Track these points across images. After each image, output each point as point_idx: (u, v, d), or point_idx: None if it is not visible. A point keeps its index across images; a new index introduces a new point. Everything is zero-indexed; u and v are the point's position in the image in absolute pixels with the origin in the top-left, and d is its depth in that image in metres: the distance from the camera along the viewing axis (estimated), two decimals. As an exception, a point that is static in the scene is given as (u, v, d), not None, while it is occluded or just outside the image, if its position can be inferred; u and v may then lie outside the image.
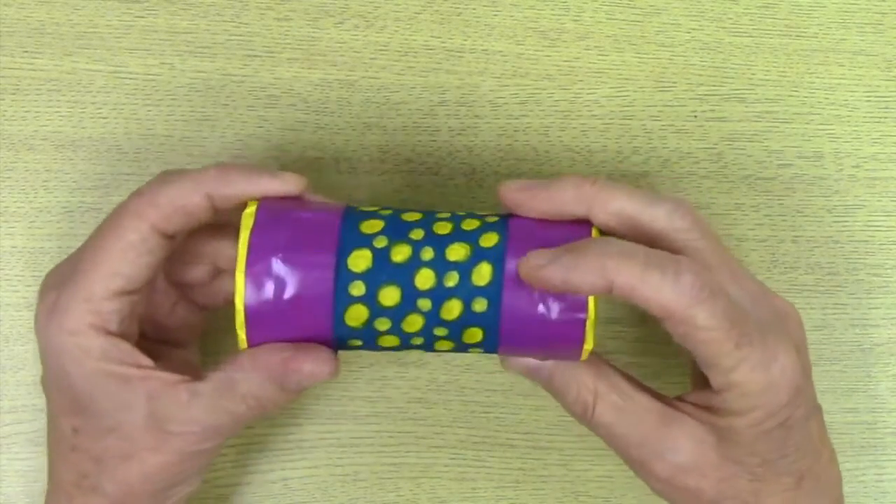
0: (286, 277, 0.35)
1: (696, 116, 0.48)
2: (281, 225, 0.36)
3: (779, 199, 0.48)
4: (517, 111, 0.48)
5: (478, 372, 0.46)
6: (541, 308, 0.35)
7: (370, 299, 0.36)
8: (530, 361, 0.38)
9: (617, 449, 0.38)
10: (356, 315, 0.36)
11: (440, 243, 0.36)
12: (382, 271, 0.36)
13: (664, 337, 0.45)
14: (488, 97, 0.47)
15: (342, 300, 0.36)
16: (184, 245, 0.40)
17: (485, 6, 0.48)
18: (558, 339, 0.36)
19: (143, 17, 0.47)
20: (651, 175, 0.47)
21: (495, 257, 0.36)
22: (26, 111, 0.46)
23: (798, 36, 0.49)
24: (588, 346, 0.36)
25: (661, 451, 0.37)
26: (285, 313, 0.36)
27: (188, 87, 0.47)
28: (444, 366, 0.46)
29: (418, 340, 0.37)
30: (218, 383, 0.37)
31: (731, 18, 0.49)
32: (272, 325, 0.36)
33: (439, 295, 0.36)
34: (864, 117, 0.48)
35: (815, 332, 0.47)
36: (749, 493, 0.37)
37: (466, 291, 0.36)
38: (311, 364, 0.36)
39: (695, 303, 0.34)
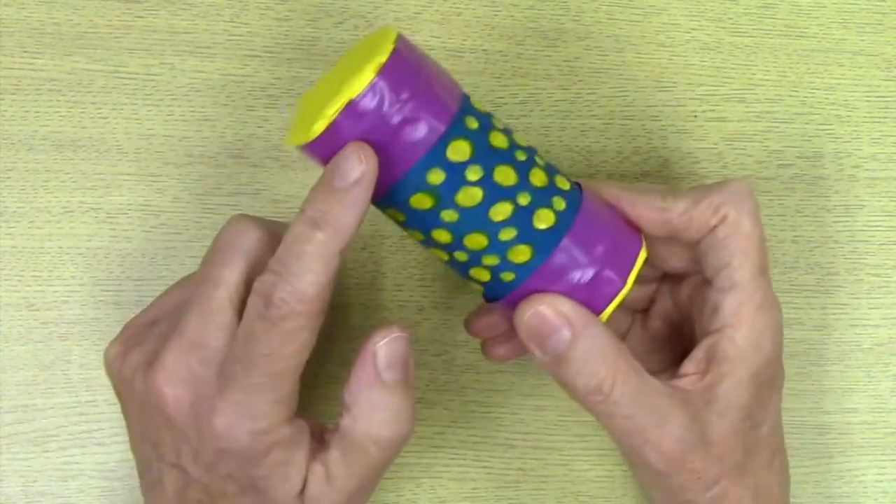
0: (409, 99, 0.34)
1: (696, 116, 0.48)
2: (419, 64, 0.35)
3: (779, 199, 0.48)
4: (517, 111, 0.48)
5: (478, 372, 0.46)
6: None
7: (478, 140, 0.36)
8: (552, 317, 0.36)
9: (623, 430, 0.37)
10: (459, 149, 0.35)
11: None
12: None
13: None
14: (488, 97, 0.47)
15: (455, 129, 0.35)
16: None
17: (485, 6, 0.48)
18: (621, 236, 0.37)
19: (142, 17, 0.47)
20: (651, 175, 0.47)
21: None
22: (26, 111, 0.46)
23: (798, 36, 0.49)
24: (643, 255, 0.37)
25: (674, 431, 0.37)
26: (392, 121, 0.35)
27: (188, 87, 0.47)
28: (443, 366, 0.46)
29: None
30: (340, 442, 0.37)
31: (731, 18, 0.49)
32: (369, 122, 0.34)
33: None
34: (864, 117, 0.48)
35: (815, 332, 0.47)
36: (738, 467, 0.37)
37: (546, 199, 0.37)
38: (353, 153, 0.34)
39: (750, 215, 0.38)
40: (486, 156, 0.36)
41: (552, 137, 0.47)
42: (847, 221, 0.48)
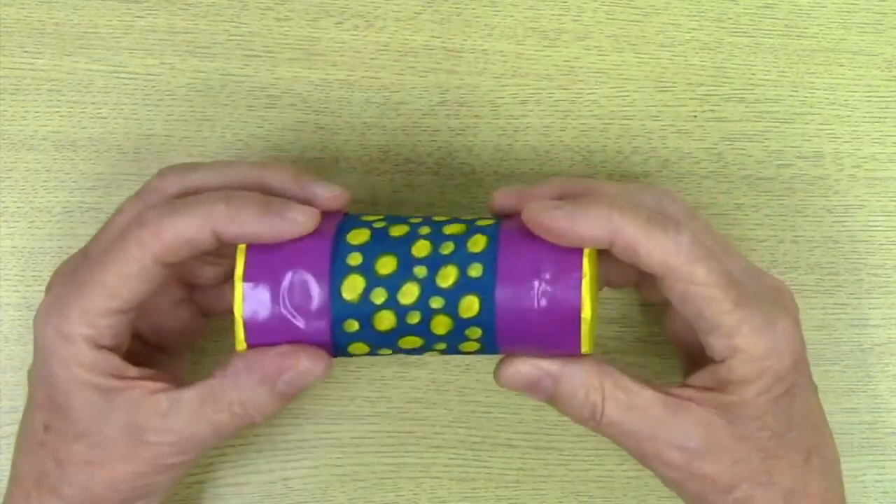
0: (284, 282, 0.36)
1: (695, 116, 0.48)
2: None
3: (779, 199, 0.48)
4: (517, 111, 0.48)
5: (478, 372, 0.46)
6: (536, 285, 0.36)
7: (367, 270, 0.36)
8: (532, 371, 0.37)
9: (628, 446, 0.38)
10: (352, 286, 0.36)
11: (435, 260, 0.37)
12: (378, 244, 0.36)
13: (664, 337, 0.45)
14: (488, 97, 0.47)
15: (339, 272, 0.36)
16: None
17: (485, 6, 0.48)
18: (555, 312, 0.36)
19: (142, 17, 0.47)
20: (651, 175, 0.47)
21: (490, 233, 0.37)
22: (26, 111, 0.46)
23: (798, 36, 0.49)
24: (586, 313, 0.36)
25: (673, 440, 0.37)
26: (284, 317, 0.36)
27: (188, 87, 0.47)
28: (443, 366, 0.46)
29: (415, 317, 0.36)
30: (202, 391, 0.37)
31: (731, 18, 0.49)
32: (271, 328, 0.36)
33: (434, 262, 0.36)
34: (864, 117, 0.48)
35: (815, 332, 0.47)
36: (762, 472, 0.37)
37: (462, 257, 0.36)
38: (307, 360, 0.36)
39: (694, 259, 0.35)
40: (381, 283, 0.36)
41: (552, 137, 0.47)
42: (847, 221, 0.48)
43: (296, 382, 0.36)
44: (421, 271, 0.36)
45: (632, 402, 0.37)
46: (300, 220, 0.36)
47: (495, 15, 0.48)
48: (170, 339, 0.42)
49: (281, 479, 0.45)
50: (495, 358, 0.38)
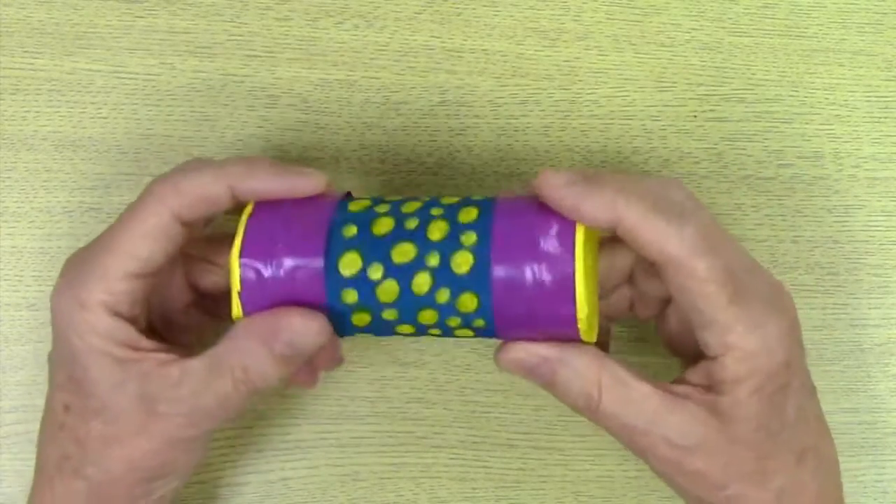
0: (281, 255, 0.36)
1: (695, 116, 0.48)
2: (276, 212, 0.37)
3: (779, 199, 0.48)
4: (517, 111, 0.48)
5: (478, 372, 0.46)
6: (529, 270, 0.36)
7: (362, 239, 0.36)
8: (529, 357, 0.37)
9: (622, 438, 0.38)
10: (349, 262, 0.36)
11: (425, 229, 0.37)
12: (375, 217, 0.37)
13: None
14: (488, 97, 0.47)
15: (336, 247, 0.36)
16: (204, 251, 0.41)
17: (485, 6, 0.48)
18: (548, 298, 0.36)
19: (142, 17, 0.47)
20: (651, 175, 0.47)
21: (484, 208, 0.37)
22: (26, 111, 0.46)
23: (798, 36, 0.49)
24: (581, 313, 0.35)
25: (667, 435, 0.37)
26: (280, 282, 0.36)
27: (188, 87, 0.47)
28: (443, 366, 0.46)
29: (417, 286, 0.36)
30: (209, 359, 0.37)
31: (731, 18, 0.49)
32: (267, 295, 0.37)
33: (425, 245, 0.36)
34: (864, 117, 0.48)
35: (815, 332, 0.47)
36: (755, 472, 0.37)
37: (454, 242, 0.36)
38: (300, 318, 0.36)
39: (695, 253, 0.35)
40: (377, 248, 0.36)
41: (552, 137, 0.47)
42: (847, 221, 0.48)
43: (294, 343, 0.37)
44: (416, 236, 0.36)
45: (629, 395, 0.37)
46: (313, 177, 0.38)
47: (495, 15, 0.48)
48: (181, 335, 0.42)
49: (280, 479, 0.45)
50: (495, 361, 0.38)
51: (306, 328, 0.36)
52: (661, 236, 0.35)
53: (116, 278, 0.37)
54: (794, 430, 0.37)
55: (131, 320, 0.38)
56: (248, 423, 0.46)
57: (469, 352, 0.46)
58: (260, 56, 0.47)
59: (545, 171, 0.36)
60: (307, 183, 0.38)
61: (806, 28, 0.49)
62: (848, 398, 0.47)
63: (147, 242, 0.37)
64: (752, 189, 0.48)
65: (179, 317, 0.42)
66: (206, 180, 0.37)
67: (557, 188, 0.36)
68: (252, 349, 0.37)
